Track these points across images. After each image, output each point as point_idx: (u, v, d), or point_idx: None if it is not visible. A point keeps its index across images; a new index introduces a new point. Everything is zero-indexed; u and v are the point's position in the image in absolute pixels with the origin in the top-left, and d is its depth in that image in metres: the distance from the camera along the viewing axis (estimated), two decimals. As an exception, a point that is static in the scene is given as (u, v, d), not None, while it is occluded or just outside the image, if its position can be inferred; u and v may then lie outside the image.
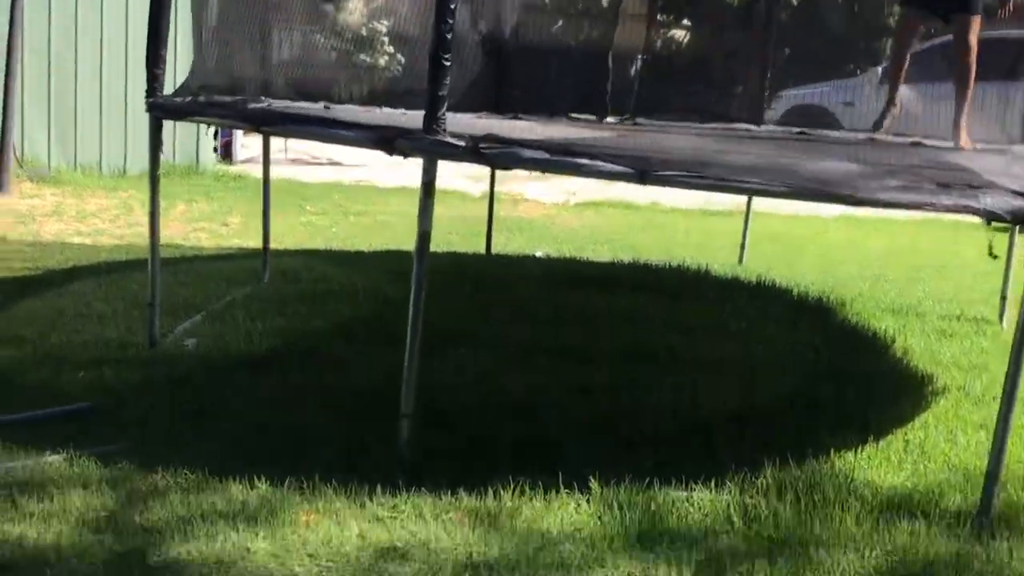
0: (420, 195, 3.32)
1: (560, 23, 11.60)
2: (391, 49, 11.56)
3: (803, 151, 4.76)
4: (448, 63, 3.23)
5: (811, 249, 8.54)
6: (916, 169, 3.77)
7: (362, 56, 11.76)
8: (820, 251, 8.47)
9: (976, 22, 5.33)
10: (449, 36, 3.23)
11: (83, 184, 9.72)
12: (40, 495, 2.91)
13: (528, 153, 3.21)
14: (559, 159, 3.20)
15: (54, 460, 3.16)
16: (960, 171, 3.60)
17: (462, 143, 3.25)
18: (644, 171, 3.08)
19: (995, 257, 4.69)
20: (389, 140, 3.36)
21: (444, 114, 3.28)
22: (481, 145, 3.23)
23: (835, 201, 3.12)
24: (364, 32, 12.04)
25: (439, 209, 3.36)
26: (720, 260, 7.45)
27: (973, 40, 5.35)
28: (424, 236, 3.31)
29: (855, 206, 3.11)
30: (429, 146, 3.24)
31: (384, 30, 11.65)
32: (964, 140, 5.35)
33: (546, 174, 4.16)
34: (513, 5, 8.63)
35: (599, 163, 3.16)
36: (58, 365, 4.14)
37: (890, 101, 5.81)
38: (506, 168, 3.31)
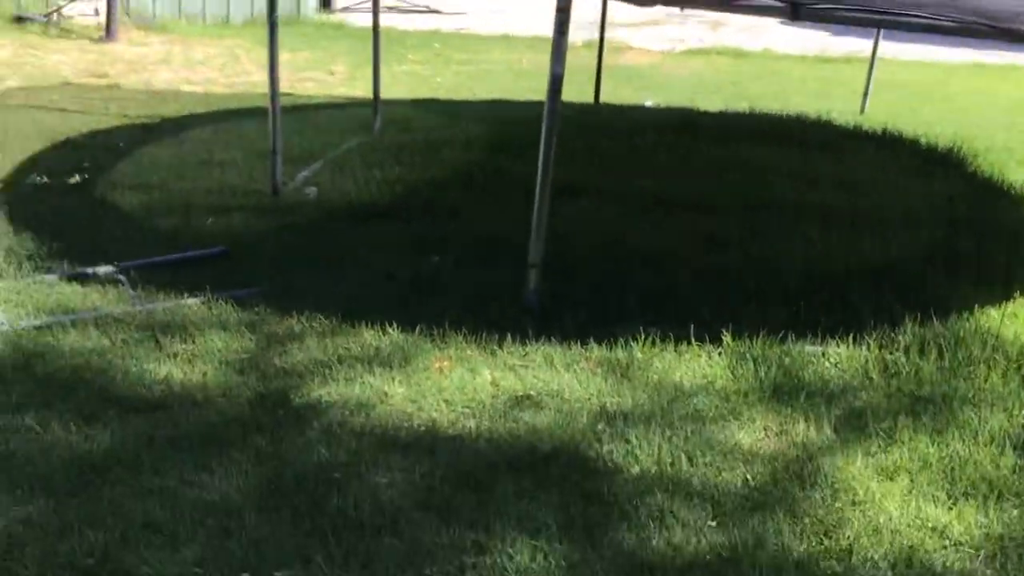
0: (553, 31, 3.18)
1: None
2: None
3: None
4: None
5: (936, 97, 8.10)
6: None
7: None
8: (946, 99, 8.03)
9: None
10: None
11: (188, 32, 9.70)
12: (182, 336, 2.98)
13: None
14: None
15: (192, 303, 3.22)
16: None
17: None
18: (798, 4, 2.87)
19: None
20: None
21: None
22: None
23: (1006, 39, 2.87)
24: None
25: (541, 58, 3.21)
26: (840, 108, 7.12)
27: None
28: (556, 77, 3.18)
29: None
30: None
31: None
32: None
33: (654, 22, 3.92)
34: None
35: None
36: (187, 211, 4.19)
37: None
38: (645, 4, 3.12)
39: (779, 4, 2.85)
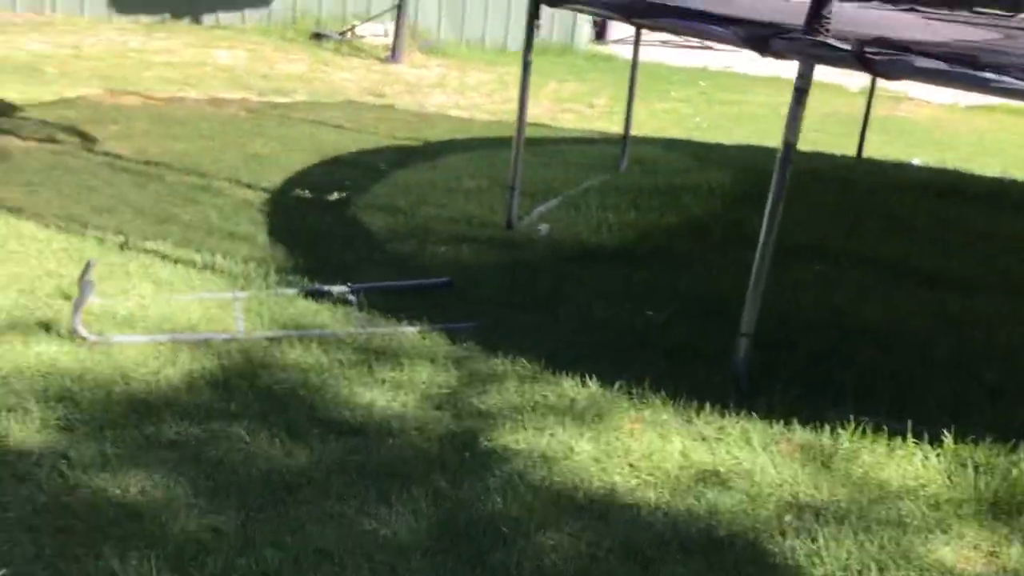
0: (791, 101, 3.08)
1: None
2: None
3: None
4: (839, -44, 2.91)
5: None
6: None
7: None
8: None
9: None
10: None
11: (467, 57, 10.18)
12: (393, 364, 3.13)
13: (922, 63, 2.83)
14: (959, 71, 2.80)
15: (409, 331, 3.37)
16: None
17: (846, 46, 2.94)
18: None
19: None
20: (763, 40, 3.12)
21: (830, 11, 2.98)
22: (867, 50, 2.91)
23: None
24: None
25: (812, 103, 3.08)
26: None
27: None
28: (789, 147, 3.08)
29: None
30: (808, 48, 2.97)
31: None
32: None
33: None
34: None
35: (1008, 79, 2.73)
36: (424, 237, 4.40)
37: None
38: (895, 79, 2.96)
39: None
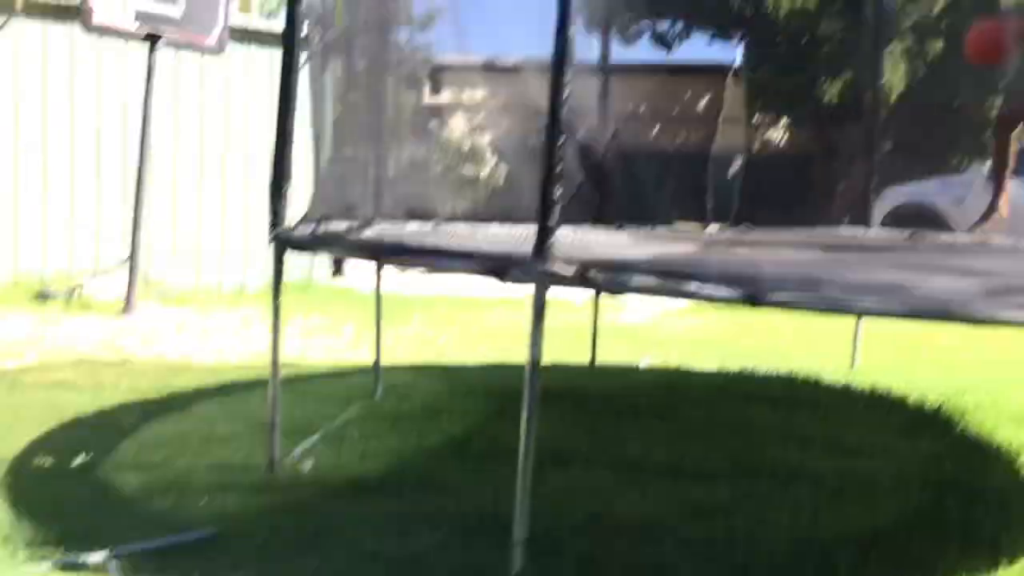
0: (531, 322, 3.38)
1: (659, 130, 11.75)
2: (494, 160, 11.88)
3: (914, 259, 4.68)
4: (558, 195, 3.33)
5: (925, 351, 8.29)
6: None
7: (468, 168, 12.12)
8: (935, 354, 8.21)
9: None
10: (558, 170, 3.34)
11: (206, 302, 10.15)
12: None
13: (637, 279, 3.25)
14: (669, 284, 3.23)
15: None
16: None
17: (571, 270, 3.31)
18: (755, 295, 3.09)
19: None
20: (500, 269, 3.44)
21: (554, 242, 3.36)
22: (590, 272, 3.29)
23: (955, 321, 3.06)
24: (468, 146, 12.42)
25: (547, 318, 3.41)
26: (831, 365, 7.29)
27: None
28: (535, 364, 3.35)
29: (975, 324, 3.04)
30: (539, 274, 3.32)
31: (487, 143, 11.99)
32: None
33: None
34: (612, 114, 8.81)
35: (710, 287, 3.18)
36: (182, 491, 4.27)
37: (992, 204, 5.56)
38: (617, 294, 3.35)
39: (739, 295, 3.06)
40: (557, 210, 3.32)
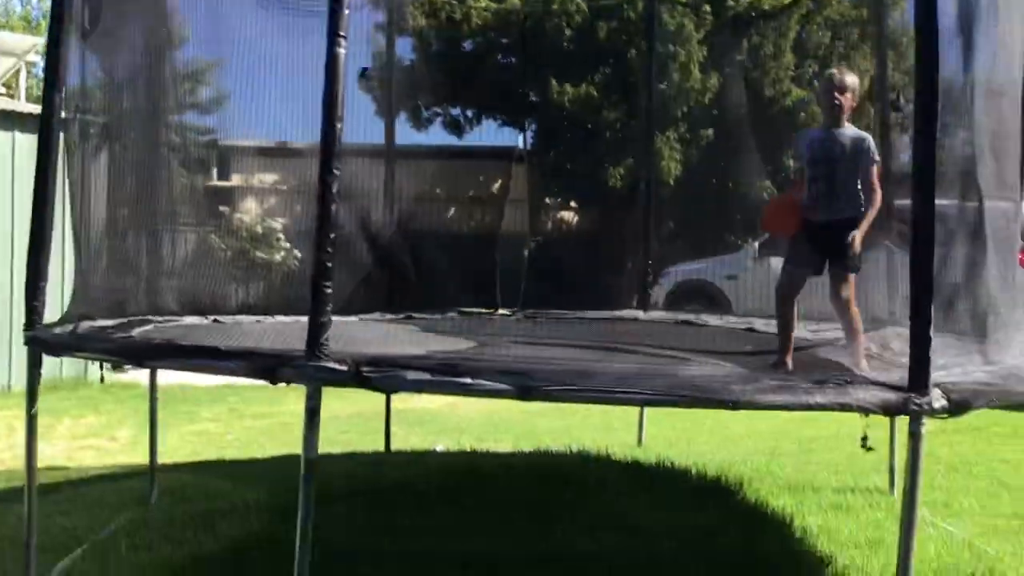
0: (304, 422, 3.27)
1: (448, 215, 11.91)
2: (287, 245, 11.66)
3: (687, 343, 4.89)
4: (329, 290, 3.26)
5: (708, 424, 8.66)
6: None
7: (258, 254, 11.81)
8: (717, 425, 8.59)
9: (851, 279, 5.35)
10: (330, 264, 3.27)
11: (-38, 403, 9.33)
12: None
13: (411, 375, 3.22)
14: (442, 380, 3.22)
15: None
16: (831, 364, 3.74)
17: (345, 368, 3.24)
18: (526, 388, 3.12)
19: (869, 449, 4.76)
20: (271, 369, 3.33)
21: (327, 339, 3.28)
22: (364, 369, 3.23)
23: (716, 407, 3.19)
24: (260, 230, 12.15)
25: (336, 405, 3.31)
26: (620, 441, 7.48)
27: (847, 293, 5.33)
28: (311, 462, 3.24)
29: (734, 410, 3.17)
30: (311, 374, 3.23)
31: (279, 227, 11.78)
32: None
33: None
34: (402, 199, 8.85)
35: (482, 381, 3.18)
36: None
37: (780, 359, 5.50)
38: (393, 392, 3.30)
39: (511, 388, 3.08)
40: (329, 306, 3.24)
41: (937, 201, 4.45)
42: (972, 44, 4.76)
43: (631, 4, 11.43)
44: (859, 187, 5.34)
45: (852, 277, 5.27)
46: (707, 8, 12.22)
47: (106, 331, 4.43)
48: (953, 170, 4.96)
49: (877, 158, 5.20)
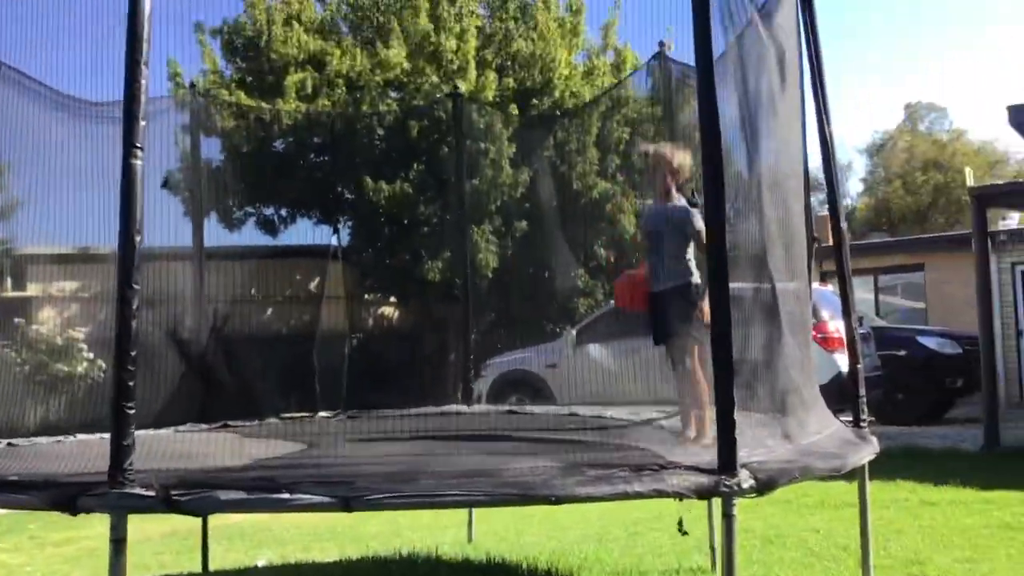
0: (110, 553, 3.07)
1: (263, 321, 11.65)
2: (90, 356, 11.04)
3: (510, 436, 4.92)
4: (132, 411, 3.10)
5: (537, 515, 8.67)
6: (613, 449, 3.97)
7: (59, 366, 11.13)
8: (546, 515, 8.61)
9: (694, 349, 5.55)
10: (131, 383, 3.12)
11: None
12: None
13: (225, 496, 3.09)
14: (259, 497, 3.10)
15: None
16: (647, 451, 3.84)
17: (152, 493, 3.07)
18: (348, 499, 3.05)
19: (685, 533, 4.91)
20: (71, 499, 3.12)
21: (132, 463, 3.11)
22: (173, 493, 3.07)
23: (539, 503, 3.21)
24: (59, 341, 11.47)
25: (149, 526, 3.09)
26: (451, 539, 7.37)
27: (690, 363, 5.51)
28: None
29: (556, 504, 3.20)
30: (115, 502, 3.04)
31: (81, 337, 11.16)
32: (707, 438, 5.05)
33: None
34: (213, 305, 8.61)
35: (302, 496, 3.09)
36: None
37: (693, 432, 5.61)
38: (206, 515, 3.15)
39: (333, 501, 3.00)
40: (132, 428, 3.08)
41: (735, 284, 4.72)
42: (756, 142, 5.12)
43: (440, 104, 11.70)
44: (689, 256, 5.60)
45: (692, 345, 5.47)
46: (514, 107, 12.65)
47: None
48: (747, 255, 5.28)
49: (700, 226, 5.46)
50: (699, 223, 5.52)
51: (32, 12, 6.58)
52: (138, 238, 3.12)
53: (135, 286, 3.10)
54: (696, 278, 5.57)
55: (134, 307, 3.11)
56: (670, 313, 5.51)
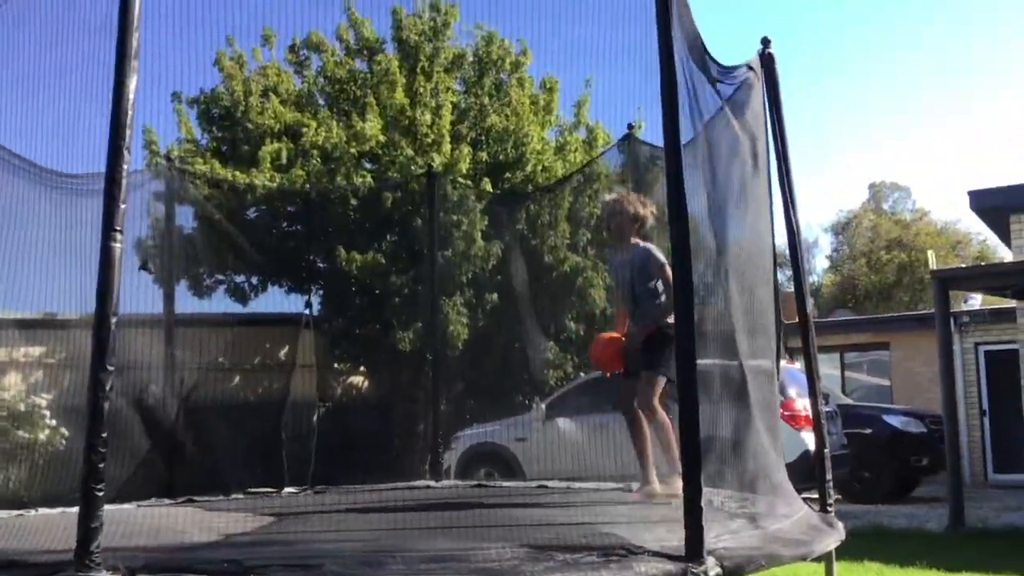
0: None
1: (231, 389, 11.55)
2: (52, 422, 10.90)
3: (478, 514, 4.91)
4: (101, 493, 3.09)
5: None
6: (582, 532, 3.98)
7: (20, 433, 10.96)
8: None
9: (657, 383, 5.60)
10: (101, 465, 3.12)
11: None
12: None
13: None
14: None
15: None
16: (613, 536, 3.86)
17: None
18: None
19: None
20: (35, 582, 3.08)
21: (99, 545, 3.09)
22: (139, 577, 3.05)
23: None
24: (22, 407, 11.33)
25: None
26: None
27: (653, 399, 5.57)
28: None
29: (525, 592, 3.20)
30: (83, 585, 3.01)
31: (44, 403, 11.02)
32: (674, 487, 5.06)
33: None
34: (181, 373, 8.55)
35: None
36: None
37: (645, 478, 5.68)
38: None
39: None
40: (101, 510, 3.07)
41: (704, 361, 4.78)
42: (725, 229, 5.24)
43: (414, 178, 11.84)
44: (660, 293, 5.69)
45: (659, 381, 5.53)
46: (486, 180, 12.80)
47: None
48: (716, 333, 5.36)
49: (662, 259, 5.56)
50: (660, 256, 5.65)
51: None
52: (114, 320, 3.14)
53: (109, 368, 3.11)
54: (671, 316, 5.66)
55: (107, 388, 3.11)
56: (644, 349, 5.63)
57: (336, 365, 13.27)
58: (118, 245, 3.16)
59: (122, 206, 3.19)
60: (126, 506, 5.82)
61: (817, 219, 68.74)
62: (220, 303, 12.98)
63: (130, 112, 3.21)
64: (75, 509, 3.58)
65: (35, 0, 5.12)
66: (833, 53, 60.70)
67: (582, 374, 12.46)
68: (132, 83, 3.28)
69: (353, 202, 12.78)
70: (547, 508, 5.32)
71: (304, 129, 12.84)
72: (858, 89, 61.56)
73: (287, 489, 7.02)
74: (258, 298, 13.39)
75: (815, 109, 57.97)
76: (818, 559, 5.10)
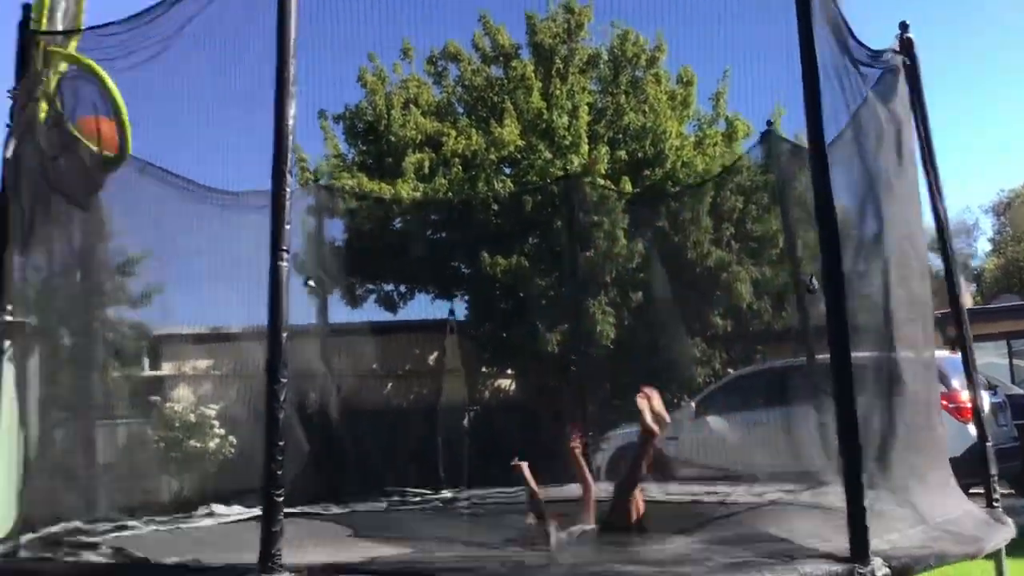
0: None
1: (387, 405, 11.89)
2: (221, 432, 11.46)
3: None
4: (281, 499, 3.27)
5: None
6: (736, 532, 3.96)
7: (192, 442, 11.58)
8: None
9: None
10: (280, 472, 3.30)
11: None
12: None
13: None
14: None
15: None
16: (773, 538, 3.82)
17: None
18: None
19: None
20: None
21: (279, 549, 3.26)
22: (319, 580, 3.21)
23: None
24: (193, 418, 11.96)
25: None
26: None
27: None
28: None
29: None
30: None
31: (214, 413, 11.60)
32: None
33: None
34: (340, 380, 8.86)
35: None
36: None
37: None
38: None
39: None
40: (282, 515, 3.24)
41: (862, 353, 4.65)
42: (880, 221, 5.10)
43: (553, 182, 11.92)
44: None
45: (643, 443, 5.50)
46: (626, 179, 12.77)
47: (50, 553, 4.29)
48: (872, 328, 5.21)
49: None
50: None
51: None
52: (284, 335, 3.32)
53: (283, 379, 3.29)
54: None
55: (282, 399, 3.29)
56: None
57: (483, 369, 13.48)
58: (284, 264, 3.34)
59: (287, 227, 3.37)
60: (293, 510, 6.08)
61: (977, 200, 65.25)
62: (371, 312, 13.40)
63: (290, 137, 3.38)
64: (248, 511, 3.78)
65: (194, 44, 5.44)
66: (984, 25, 57.65)
67: (730, 370, 12.26)
68: (291, 109, 3.47)
69: (495, 207, 12.96)
70: (706, 507, 5.27)
71: (444, 138, 13.11)
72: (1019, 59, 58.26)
73: (444, 492, 7.20)
74: (406, 306, 13.76)
75: (971, 85, 55.20)
76: (987, 557, 4.91)
